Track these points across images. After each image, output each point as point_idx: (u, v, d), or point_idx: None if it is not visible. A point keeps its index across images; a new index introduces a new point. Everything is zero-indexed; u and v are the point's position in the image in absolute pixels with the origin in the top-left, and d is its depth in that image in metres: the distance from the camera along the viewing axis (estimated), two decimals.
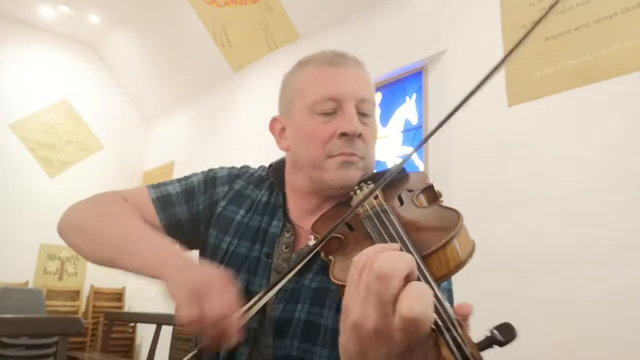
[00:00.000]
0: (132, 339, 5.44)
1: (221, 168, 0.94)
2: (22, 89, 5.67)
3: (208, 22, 4.80)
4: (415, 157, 3.24)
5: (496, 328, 0.36)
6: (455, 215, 0.50)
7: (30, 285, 5.25)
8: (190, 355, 0.63)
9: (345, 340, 0.42)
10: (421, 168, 3.12)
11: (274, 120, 0.87)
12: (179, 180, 0.91)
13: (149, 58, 5.87)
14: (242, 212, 0.86)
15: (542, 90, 2.51)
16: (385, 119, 3.54)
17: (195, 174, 0.92)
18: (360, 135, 0.76)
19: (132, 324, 5.51)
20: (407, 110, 3.40)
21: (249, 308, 0.62)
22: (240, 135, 4.68)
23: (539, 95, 2.52)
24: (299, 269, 0.76)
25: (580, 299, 2.16)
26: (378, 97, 3.63)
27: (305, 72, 0.82)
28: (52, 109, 5.86)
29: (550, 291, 2.26)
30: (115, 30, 5.84)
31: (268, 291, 0.60)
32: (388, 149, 3.45)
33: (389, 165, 3.35)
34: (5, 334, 3.18)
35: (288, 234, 0.81)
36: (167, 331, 3.85)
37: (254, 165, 0.98)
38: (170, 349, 4.26)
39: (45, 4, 5.46)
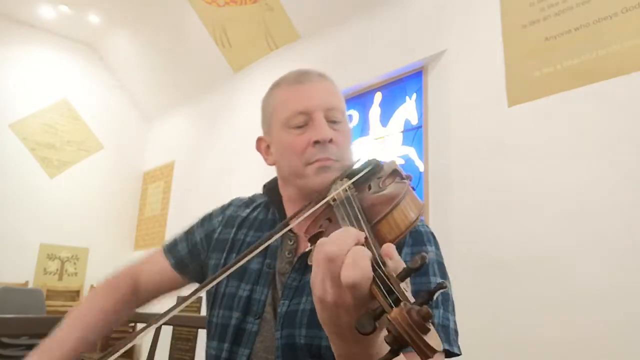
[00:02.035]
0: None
1: (216, 207, 1.06)
2: (22, 89, 5.67)
3: (208, 22, 4.81)
4: (415, 157, 3.24)
5: (410, 260, 0.42)
6: (402, 186, 0.57)
7: (30, 285, 5.25)
8: None
9: (319, 313, 0.49)
10: (421, 168, 3.13)
11: (259, 140, 0.96)
12: (184, 229, 1.05)
13: (149, 58, 5.87)
14: (234, 230, 0.96)
15: (542, 90, 2.51)
16: (385, 119, 3.54)
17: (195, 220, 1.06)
18: (332, 141, 0.84)
19: (132, 324, 5.51)
20: (407, 110, 3.40)
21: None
22: (240, 135, 4.69)
23: (539, 95, 2.52)
24: (302, 267, 0.83)
25: (580, 298, 2.16)
26: (378, 97, 3.63)
27: (276, 94, 0.91)
28: (52, 109, 5.86)
29: (550, 290, 2.27)
30: (115, 30, 5.85)
31: (200, 289, 0.60)
32: (388, 148, 3.45)
33: None
34: (5, 334, 3.18)
35: (290, 241, 0.89)
36: (167, 331, 3.85)
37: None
38: (170, 349, 4.27)
39: (45, 4, 5.46)
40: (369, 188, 0.66)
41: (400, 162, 3.27)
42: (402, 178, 0.64)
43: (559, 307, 2.22)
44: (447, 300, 0.77)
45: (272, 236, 0.65)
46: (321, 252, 0.47)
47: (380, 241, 0.50)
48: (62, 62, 6.03)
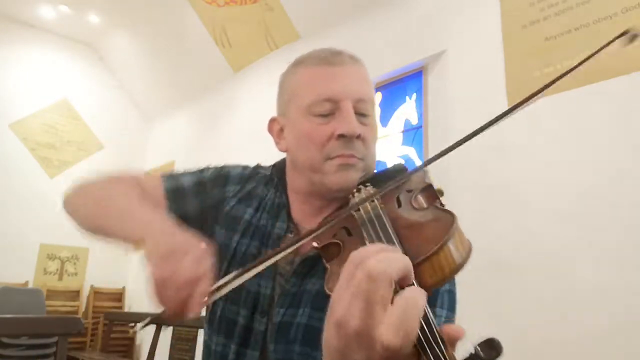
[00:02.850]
0: (132, 339, 5.44)
1: (235, 166, 0.92)
2: (22, 89, 5.67)
3: (208, 22, 4.80)
4: (415, 157, 3.24)
5: (480, 344, 0.35)
6: (449, 219, 0.47)
7: (30, 285, 5.25)
8: (146, 321, 0.59)
9: (328, 337, 0.41)
10: None
11: (272, 121, 0.86)
12: (192, 173, 0.90)
13: (149, 58, 5.87)
14: (250, 210, 0.85)
15: None
16: (385, 119, 3.54)
17: (208, 168, 0.92)
18: (359, 136, 0.74)
19: (132, 324, 5.51)
20: (407, 110, 3.40)
21: (219, 287, 0.58)
22: (240, 135, 4.68)
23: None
24: (304, 271, 0.75)
25: (580, 297, 2.16)
26: (378, 97, 3.63)
27: (300, 73, 0.80)
28: (52, 109, 5.86)
29: (550, 290, 2.26)
30: (115, 30, 5.84)
31: (241, 274, 0.57)
32: (388, 149, 3.45)
33: (389, 165, 3.34)
34: (5, 334, 3.18)
35: (292, 234, 0.80)
36: (167, 331, 3.85)
37: (253, 164, 0.98)
38: (170, 349, 4.27)
39: (45, 4, 5.46)
40: (399, 203, 0.57)
41: (400, 162, 3.27)
42: (439, 198, 0.56)
43: (559, 306, 2.22)
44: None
45: (282, 250, 0.57)
46: (362, 268, 0.38)
47: (418, 282, 0.42)
48: (62, 62, 6.02)
